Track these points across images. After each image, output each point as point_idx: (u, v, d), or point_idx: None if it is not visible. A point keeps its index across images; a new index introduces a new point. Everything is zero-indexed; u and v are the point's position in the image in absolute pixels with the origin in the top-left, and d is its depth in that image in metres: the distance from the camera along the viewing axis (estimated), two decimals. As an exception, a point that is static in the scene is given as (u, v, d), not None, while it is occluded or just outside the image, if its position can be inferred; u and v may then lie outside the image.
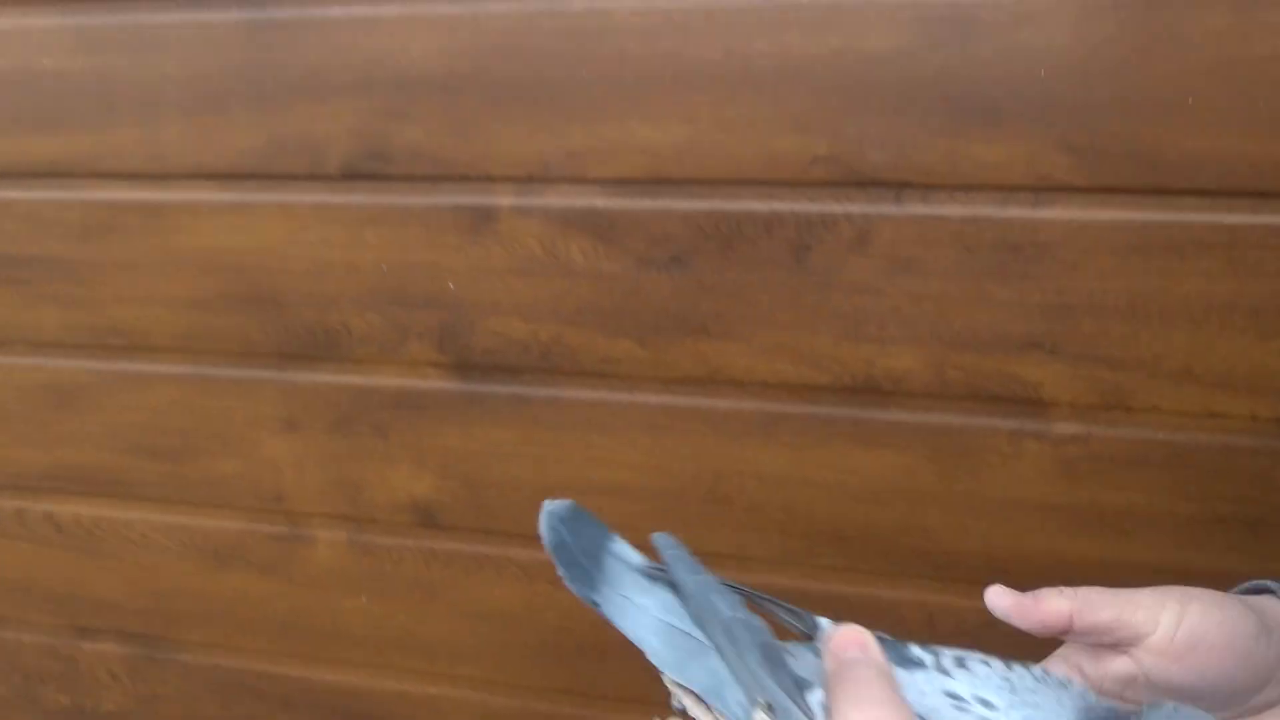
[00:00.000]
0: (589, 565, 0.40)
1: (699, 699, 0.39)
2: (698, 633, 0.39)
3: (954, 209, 0.63)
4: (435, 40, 0.67)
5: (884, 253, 0.64)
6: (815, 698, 0.36)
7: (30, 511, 0.89)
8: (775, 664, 0.37)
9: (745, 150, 0.64)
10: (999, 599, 0.44)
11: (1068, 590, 0.43)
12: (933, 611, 0.70)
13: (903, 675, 0.38)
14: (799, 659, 0.38)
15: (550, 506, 0.40)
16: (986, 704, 0.38)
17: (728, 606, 0.38)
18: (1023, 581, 0.44)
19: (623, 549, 0.41)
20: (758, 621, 0.38)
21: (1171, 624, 0.41)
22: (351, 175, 0.71)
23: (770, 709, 0.36)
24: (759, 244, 0.65)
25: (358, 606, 0.84)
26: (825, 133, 0.63)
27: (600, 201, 0.68)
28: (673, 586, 0.40)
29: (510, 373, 0.74)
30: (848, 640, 0.37)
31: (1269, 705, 0.42)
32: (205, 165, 0.73)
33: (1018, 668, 0.40)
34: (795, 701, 0.36)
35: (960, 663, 0.40)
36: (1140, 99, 0.58)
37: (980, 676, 0.39)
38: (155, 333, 0.79)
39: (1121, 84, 0.58)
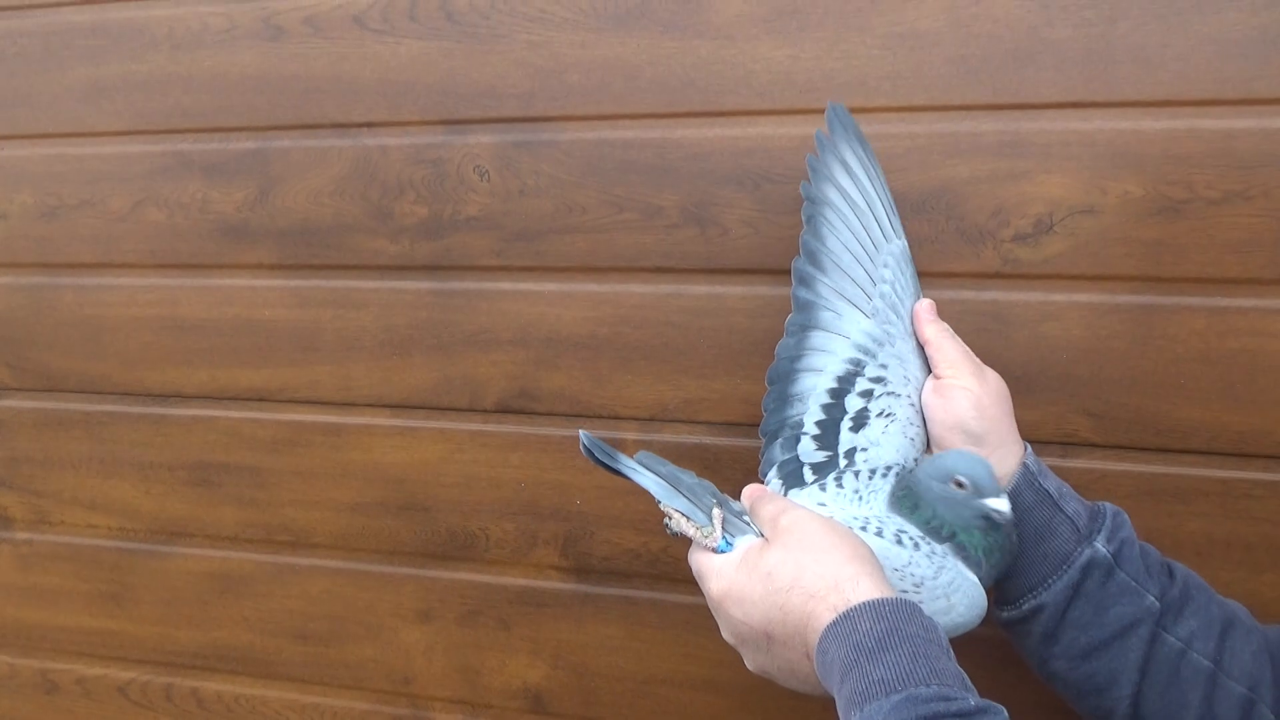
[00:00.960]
0: (609, 455, 0.65)
1: (683, 514, 0.64)
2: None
3: (997, 457, 0.77)
4: (582, 311, 0.84)
5: (941, 489, 0.78)
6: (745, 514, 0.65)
7: (178, 688, 1.00)
8: (721, 498, 0.65)
9: (828, 404, 0.80)
10: (923, 307, 0.69)
11: (946, 330, 0.68)
12: None
13: (795, 491, 0.68)
14: (735, 503, 0.66)
15: (583, 433, 0.65)
16: (823, 505, 0.66)
17: (688, 478, 0.66)
18: None
19: (625, 455, 0.66)
20: (708, 483, 0.66)
21: (952, 379, 0.66)
22: (503, 410, 0.87)
23: (721, 505, 0.64)
24: (838, 478, 0.80)
25: (466, 787, 0.93)
26: (893, 393, 0.79)
27: (708, 439, 0.83)
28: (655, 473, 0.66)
29: (622, 577, 0.87)
30: (753, 486, 0.67)
31: None
32: (384, 397, 0.90)
33: (881, 478, 0.66)
34: (734, 507, 0.65)
35: (839, 481, 0.67)
36: (1142, 378, 0.74)
37: (844, 490, 0.66)
38: (319, 531, 0.94)
39: (1126, 367, 0.74)
